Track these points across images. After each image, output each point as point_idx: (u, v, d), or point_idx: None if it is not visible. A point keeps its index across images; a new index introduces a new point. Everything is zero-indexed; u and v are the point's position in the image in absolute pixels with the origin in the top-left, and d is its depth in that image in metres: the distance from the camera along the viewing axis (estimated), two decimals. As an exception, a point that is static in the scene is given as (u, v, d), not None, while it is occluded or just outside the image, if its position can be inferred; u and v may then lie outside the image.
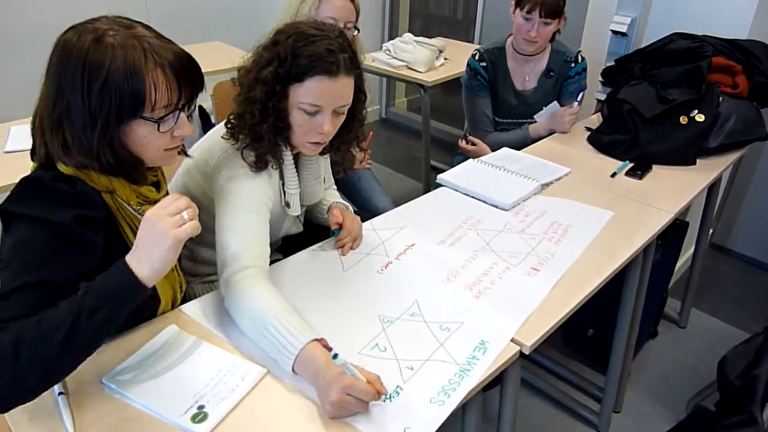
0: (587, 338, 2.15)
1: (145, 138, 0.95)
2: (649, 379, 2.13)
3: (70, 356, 0.83)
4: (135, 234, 0.88)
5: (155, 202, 1.04)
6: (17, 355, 0.77)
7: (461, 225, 1.48)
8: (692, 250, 2.52)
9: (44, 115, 0.92)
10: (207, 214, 1.23)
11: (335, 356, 0.90)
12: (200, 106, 3.13)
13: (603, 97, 2.23)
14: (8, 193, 0.93)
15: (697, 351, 2.28)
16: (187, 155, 1.12)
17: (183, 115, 0.98)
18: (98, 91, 0.88)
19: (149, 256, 0.84)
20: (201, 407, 0.92)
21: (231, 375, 0.99)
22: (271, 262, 1.37)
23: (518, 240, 1.42)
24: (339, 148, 1.36)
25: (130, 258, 0.85)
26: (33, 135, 0.95)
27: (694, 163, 1.87)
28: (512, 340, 1.10)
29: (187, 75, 0.95)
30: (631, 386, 2.05)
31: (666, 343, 2.32)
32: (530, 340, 1.10)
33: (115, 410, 0.92)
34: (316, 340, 0.98)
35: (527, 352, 1.10)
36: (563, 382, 2.11)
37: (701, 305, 2.50)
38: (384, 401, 0.96)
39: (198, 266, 1.40)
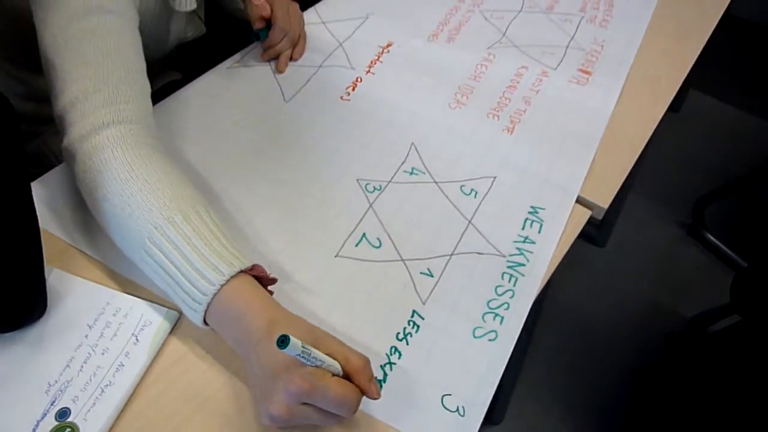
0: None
1: None
2: (645, 175, 1.84)
3: None
4: None
5: None
6: None
7: (457, 5, 0.95)
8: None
9: None
10: (25, 18, 0.66)
11: (283, 343, 0.41)
12: None
13: None
14: None
15: (697, 139, 1.98)
16: None
17: None
18: None
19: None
20: (63, 414, 0.49)
21: (113, 333, 0.54)
22: (161, 90, 0.85)
23: (547, 24, 0.92)
24: None
25: None
26: None
27: None
28: (577, 201, 0.69)
29: None
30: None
31: (660, 131, 1.99)
32: (603, 196, 0.70)
33: None
34: (242, 271, 0.52)
35: (600, 217, 0.70)
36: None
37: (698, 84, 2.14)
38: (399, 341, 0.56)
39: (42, 107, 0.85)
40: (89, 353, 0.53)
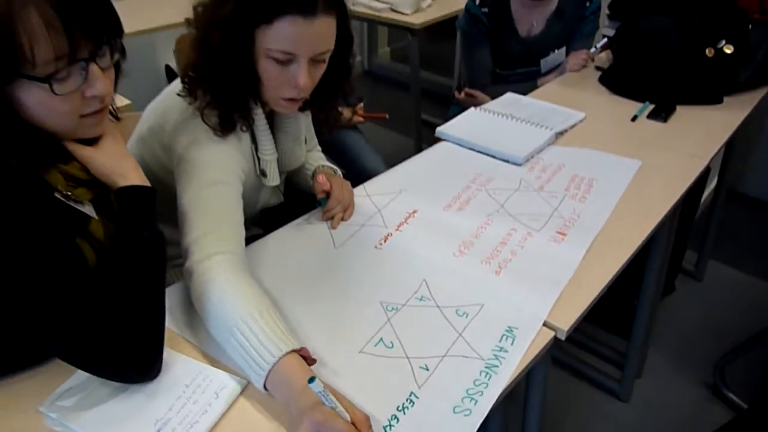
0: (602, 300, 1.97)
1: (44, 104, 0.71)
2: (669, 339, 1.98)
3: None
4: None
5: (89, 183, 0.82)
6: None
7: (469, 185, 1.27)
8: (706, 195, 2.34)
9: None
10: (169, 189, 1.01)
11: (311, 380, 0.68)
12: (167, 66, 2.84)
13: (611, 32, 2.00)
14: None
15: (718, 305, 2.12)
16: (117, 118, 0.88)
17: (95, 68, 0.72)
18: None
19: None
20: (165, 438, 0.73)
21: (201, 391, 0.79)
22: (249, 239, 1.17)
23: (537, 199, 1.22)
24: (322, 104, 1.13)
25: None
26: None
27: (721, 101, 1.67)
28: (544, 324, 0.91)
29: (80, 14, 0.68)
30: (651, 347, 1.90)
31: (684, 298, 2.16)
32: (565, 322, 0.92)
33: (56, 447, 0.73)
34: (294, 351, 0.77)
35: (563, 338, 0.91)
36: (580, 349, 1.95)
37: (717, 255, 2.34)
38: (398, 412, 0.77)
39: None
40: (185, 402, 0.77)
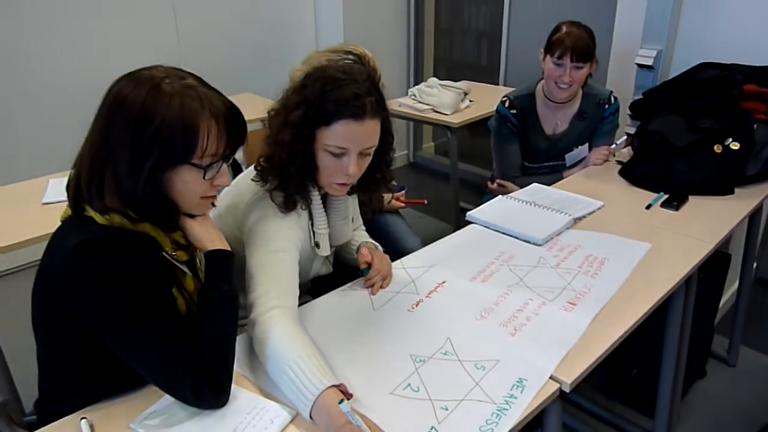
0: (631, 379, 2.05)
1: (189, 184, 0.96)
2: (701, 422, 2.01)
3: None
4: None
5: (185, 247, 1.04)
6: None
7: (493, 261, 1.44)
8: (736, 284, 2.41)
9: (86, 156, 0.94)
10: (238, 259, 1.23)
11: (340, 401, 0.86)
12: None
13: (632, 130, 2.20)
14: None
15: (750, 390, 2.15)
16: (213, 205, 1.12)
17: (224, 165, 0.99)
18: (150, 136, 0.90)
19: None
20: (229, 452, 0.89)
21: (259, 418, 0.96)
22: (301, 305, 1.36)
23: (553, 275, 1.38)
24: (366, 188, 1.36)
25: None
26: (70, 176, 0.97)
27: (732, 193, 1.81)
28: (551, 378, 1.05)
29: (236, 126, 0.98)
30: (682, 430, 1.94)
31: (716, 383, 2.19)
32: (570, 377, 1.05)
33: (144, 456, 0.90)
34: (334, 386, 0.95)
35: (567, 390, 1.05)
36: (608, 426, 2.00)
37: (750, 342, 2.37)
38: (418, 443, 0.92)
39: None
40: (245, 426, 0.94)
